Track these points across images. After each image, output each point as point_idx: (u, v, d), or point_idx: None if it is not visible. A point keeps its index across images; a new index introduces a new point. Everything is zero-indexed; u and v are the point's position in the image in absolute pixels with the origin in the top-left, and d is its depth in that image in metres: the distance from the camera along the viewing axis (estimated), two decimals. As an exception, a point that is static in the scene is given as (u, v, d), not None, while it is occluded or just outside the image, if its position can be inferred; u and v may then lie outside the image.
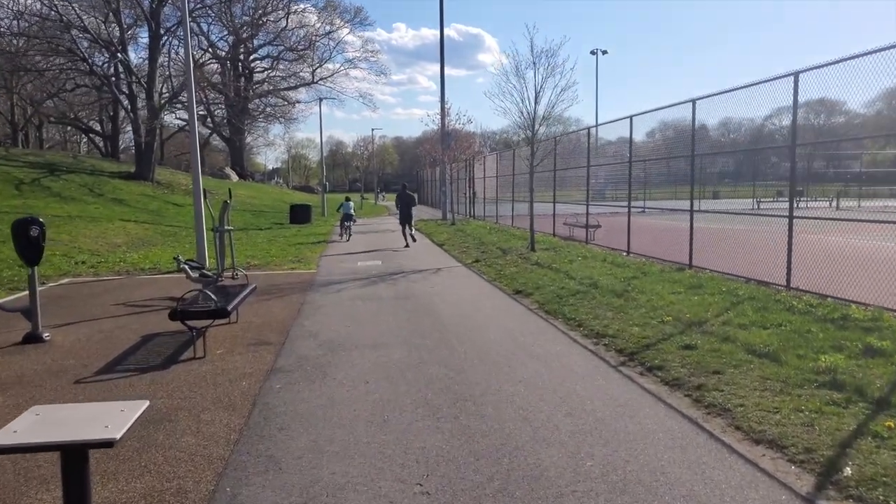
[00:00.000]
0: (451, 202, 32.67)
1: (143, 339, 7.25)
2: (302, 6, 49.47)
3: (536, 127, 15.23)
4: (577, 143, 19.67)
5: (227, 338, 7.28)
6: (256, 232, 23.62)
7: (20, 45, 33.06)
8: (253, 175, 60.16)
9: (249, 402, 5.10)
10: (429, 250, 17.37)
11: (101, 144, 57.21)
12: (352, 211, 21.86)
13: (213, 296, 6.37)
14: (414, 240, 18.55)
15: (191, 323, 6.37)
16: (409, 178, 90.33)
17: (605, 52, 68.03)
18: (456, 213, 32.37)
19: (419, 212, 41.67)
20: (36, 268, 7.15)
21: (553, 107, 15.11)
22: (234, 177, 49.40)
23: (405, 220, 18.64)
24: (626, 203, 14.98)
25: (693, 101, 11.76)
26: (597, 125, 16.59)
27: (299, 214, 27.97)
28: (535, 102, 15.02)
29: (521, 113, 15.18)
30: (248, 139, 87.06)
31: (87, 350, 6.78)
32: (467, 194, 32.55)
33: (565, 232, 19.58)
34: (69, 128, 61.91)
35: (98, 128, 57.23)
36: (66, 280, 12.01)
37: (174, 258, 10.05)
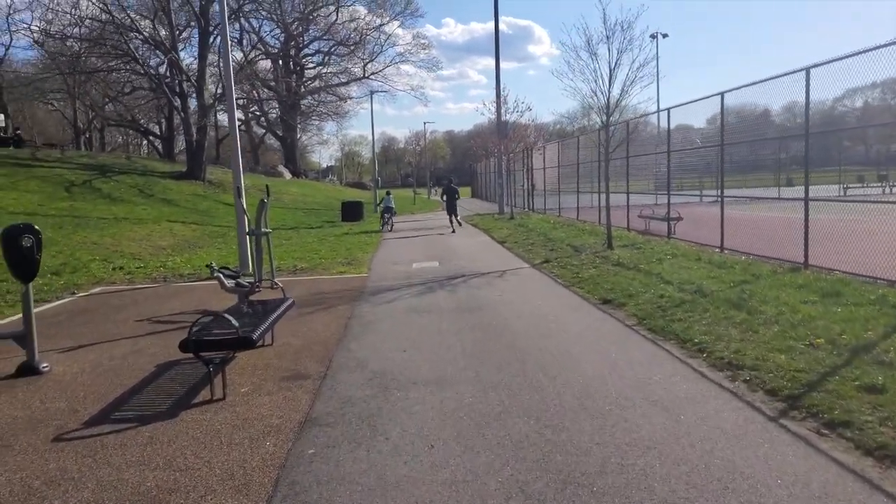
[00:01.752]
0: (509, 195, 30.94)
1: (158, 368, 5.94)
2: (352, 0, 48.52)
3: (612, 107, 13.39)
4: (644, 129, 17.68)
5: (258, 367, 5.89)
6: (307, 231, 22.55)
7: (81, 49, 33.25)
8: (306, 173, 59.75)
9: (271, 479, 3.65)
10: (489, 248, 15.76)
11: (159, 146, 58.00)
12: (392, 204, 23.49)
13: (233, 320, 4.96)
14: (460, 224, 21.87)
15: (208, 355, 4.99)
16: (461, 171, 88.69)
17: (665, 36, 64.61)
18: (514, 206, 30.62)
19: (474, 205, 40.15)
20: (31, 284, 5.94)
21: (632, 84, 13.23)
22: (287, 175, 48.95)
23: (451, 209, 21.89)
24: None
25: (807, 70, 9.77)
26: (676, 106, 14.59)
27: (351, 212, 26.81)
28: (610, 81, 13.19)
29: (595, 93, 13.37)
30: (303, 138, 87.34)
31: (86, 386, 5.50)
32: (525, 186, 30.75)
33: (640, 225, 17.62)
34: (130, 131, 63.10)
35: (157, 130, 58.02)
36: (98, 289, 10.99)
37: (207, 266, 8.84)
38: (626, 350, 6.11)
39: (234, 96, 12.40)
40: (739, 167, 21.67)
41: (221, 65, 12.01)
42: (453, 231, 20.82)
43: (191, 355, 4.99)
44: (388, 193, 24.61)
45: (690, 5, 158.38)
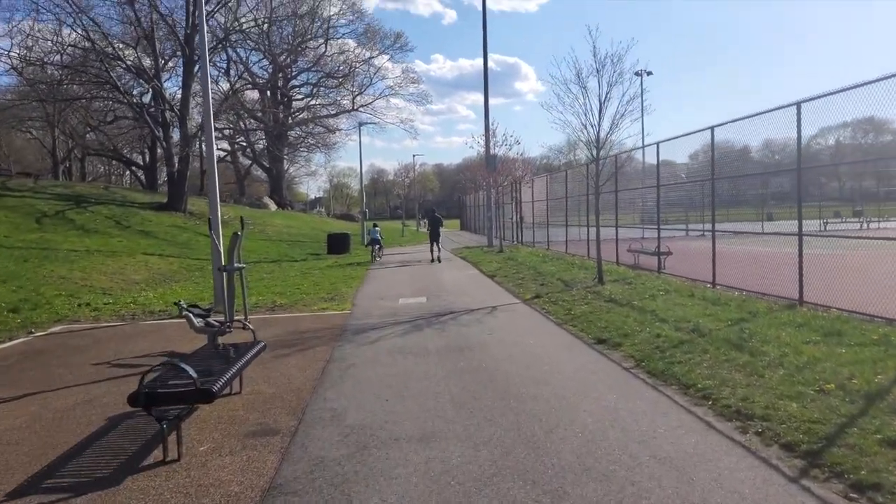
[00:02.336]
0: (498, 228, 30.65)
1: (109, 422, 5.38)
2: (341, 33, 48.82)
3: (602, 140, 13.15)
4: (629, 164, 17.49)
5: (221, 420, 5.36)
6: (290, 264, 22.01)
7: (62, 76, 32.88)
8: (292, 204, 59.24)
9: (223, 564, 3.12)
10: (479, 283, 15.33)
11: (142, 177, 57.38)
12: (378, 236, 24.32)
13: (190, 370, 4.46)
14: (439, 259, 22.21)
15: (162, 409, 4.47)
16: (449, 203, 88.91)
17: (649, 74, 65.55)
18: (503, 238, 30.32)
19: (463, 238, 39.82)
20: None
21: (622, 117, 13.03)
22: (273, 206, 48.44)
23: (434, 237, 22.73)
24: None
25: (798, 105, 9.57)
26: (666, 140, 14.38)
27: (337, 244, 26.31)
28: (600, 114, 12.98)
29: (585, 126, 13.14)
30: (290, 169, 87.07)
31: (21, 444, 4.93)
32: (513, 219, 30.50)
33: (629, 259, 17.32)
34: (112, 161, 62.46)
35: (140, 160, 57.47)
36: (58, 328, 10.38)
37: (175, 304, 8.32)
38: (627, 396, 5.66)
39: (213, 126, 12.04)
40: (722, 201, 21.58)
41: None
42: (435, 259, 22.08)
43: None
44: (374, 226, 25.57)
45: (675, 42, 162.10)
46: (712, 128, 12.15)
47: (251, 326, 7.15)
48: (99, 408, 5.79)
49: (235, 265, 8.12)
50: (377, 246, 23.94)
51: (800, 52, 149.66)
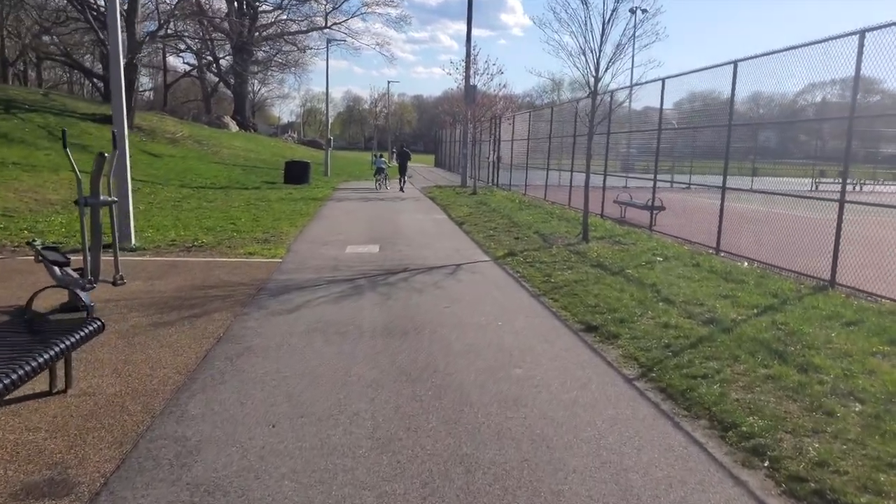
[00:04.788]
0: (473, 167, 28.38)
1: None
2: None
3: (602, 70, 10.87)
4: (616, 109, 15.30)
5: (4, 449, 3.29)
6: (240, 192, 19.56)
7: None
8: (255, 126, 55.39)
9: None
10: (444, 231, 13.25)
11: (102, 87, 52.93)
12: (384, 165, 25.21)
13: None
14: (403, 190, 23.58)
15: None
16: (427, 138, 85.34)
17: (644, 11, 62.15)
18: (478, 179, 28.09)
19: (436, 175, 37.43)
20: None
21: (629, 41, 10.73)
22: (234, 127, 44.98)
23: (402, 170, 24.90)
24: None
25: (862, 33, 7.46)
26: (675, 76, 12.11)
27: (295, 173, 23.74)
28: (602, 37, 10.65)
29: (583, 50, 10.81)
30: (262, 90, 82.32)
31: None
32: (490, 158, 28.20)
33: (615, 212, 15.37)
34: (74, 70, 57.50)
35: (102, 70, 52.81)
36: None
37: (28, 243, 6.11)
38: (638, 437, 3.72)
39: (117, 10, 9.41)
40: (704, 154, 19.71)
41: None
42: (401, 189, 23.52)
43: None
44: (380, 155, 28.00)
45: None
46: (735, 62, 9.96)
47: (123, 280, 5.00)
48: None
49: (102, 198, 5.86)
50: (382, 175, 24.56)
51: None
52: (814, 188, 20.35)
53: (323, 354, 5.01)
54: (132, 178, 18.86)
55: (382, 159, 25.95)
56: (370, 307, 6.54)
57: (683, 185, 19.06)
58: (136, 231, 10.02)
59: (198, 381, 4.39)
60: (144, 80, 62.37)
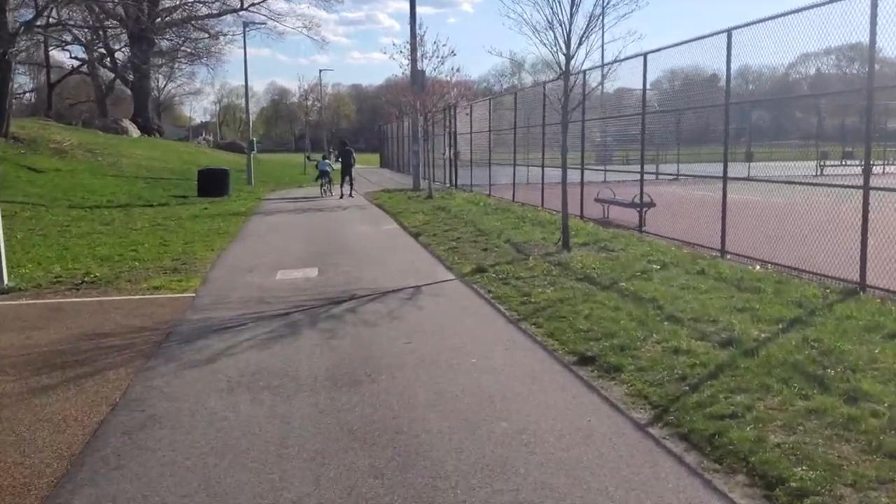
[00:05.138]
0: (427, 166, 28.14)
1: None
2: None
3: (575, 46, 10.71)
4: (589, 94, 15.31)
5: None
6: (143, 210, 18.82)
7: None
8: (160, 129, 54.06)
9: None
10: (398, 244, 12.86)
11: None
12: (328, 168, 25.78)
13: None
14: (351, 195, 24.05)
15: None
16: (369, 133, 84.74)
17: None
18: (433, 180, 27.83)
19: (382, 177, 37.12)
20: None
21: (602, 11, 10.62)
22: (135, 132, 43.67)
23: (345, 172, 24.67)
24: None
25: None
26: (661, 49, 12.06)
27: (211, 183, 23.01)
28: (573, 7, 10.50)
29: (551, 24, 10.62)
30: (169, 86, 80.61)
31: None
32: (447, 155, 28.01)
33: (597, 212, 15.28)
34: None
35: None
36: None
37: None
38: (666, 515, 3.39)
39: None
40: (691, 139, 19.95)
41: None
42: (343, 196, 23.72)
43: None
44: (324, 157, 28.57)
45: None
46: (729, 30, 9.95)
47: None
48: None
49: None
50: (326, 179, 25.01)
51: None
52: (818, 172, 20.78)
53: (251, 419, 4.56)
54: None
55: (326, 161, 26.64)
56: (309, 349, 6.10)
57: (671, 177, 19.14)
58: (8, 268, 9.33)
59: (85, 468, 3.89)
60: (23, 80, 60.52)
